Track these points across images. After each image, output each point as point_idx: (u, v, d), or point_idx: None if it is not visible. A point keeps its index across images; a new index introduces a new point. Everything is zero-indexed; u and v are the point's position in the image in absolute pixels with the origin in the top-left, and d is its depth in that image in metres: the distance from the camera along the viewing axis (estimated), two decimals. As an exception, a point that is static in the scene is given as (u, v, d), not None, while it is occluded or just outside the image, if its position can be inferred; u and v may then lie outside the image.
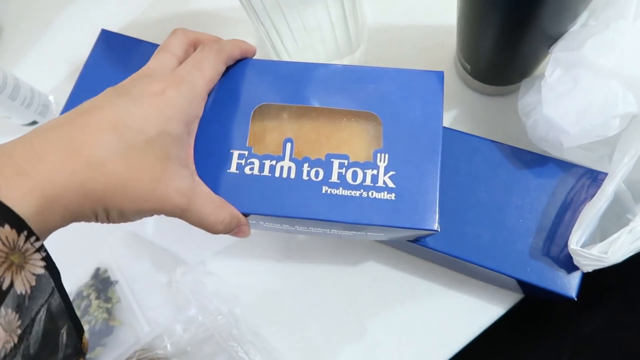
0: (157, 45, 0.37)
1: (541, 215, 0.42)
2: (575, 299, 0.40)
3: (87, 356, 0.50)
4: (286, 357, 0.48)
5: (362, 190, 0.34)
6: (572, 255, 0.38)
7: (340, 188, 0.34)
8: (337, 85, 0.36)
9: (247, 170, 0.35)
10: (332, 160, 0.35)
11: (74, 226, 0.56)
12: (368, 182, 0.34)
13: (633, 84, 0.35)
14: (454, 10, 0.45)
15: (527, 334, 0.52)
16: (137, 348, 0.49)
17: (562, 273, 0.41)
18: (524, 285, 0.43)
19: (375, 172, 0.35)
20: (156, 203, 0.30)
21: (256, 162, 0.35)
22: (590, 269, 0.38)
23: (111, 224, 0.32)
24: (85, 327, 0.50)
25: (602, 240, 0.38)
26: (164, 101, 0.31)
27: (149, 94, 0.31)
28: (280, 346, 0.49)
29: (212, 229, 0.33)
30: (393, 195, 0.34)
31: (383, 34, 0.57)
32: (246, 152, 0.35)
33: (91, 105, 0.30)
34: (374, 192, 0.34)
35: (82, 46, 0.51)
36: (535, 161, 0.44)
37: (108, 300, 0.52)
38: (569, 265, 0.41)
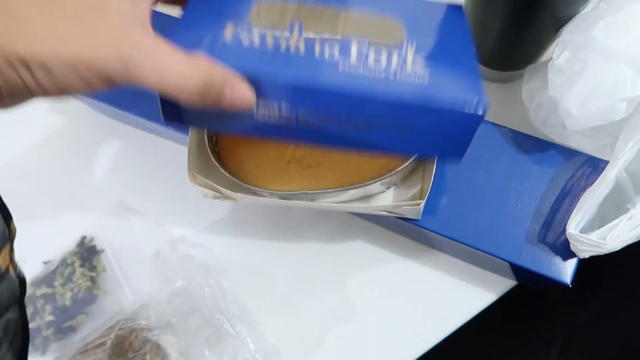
0: None
1: (540, 200, 0.42)
2: (570, 286, 0.39)
3: (70, 324, 0.48)
4: (272, 333, 0.47)
5: (388, 73, 0.29)
6: (570, 240, 0.38)
7: (361, 69, 0.29)
8: None
9: (245, 41, 0.29)
10: (350, 39, 0.30)
11: (61, 194, 0.55)
12: (394, 66, 0.29)
13: (643, 68, 0.35)
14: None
15: (519, 322, 0.51)
16: (120, 318, 0.48)
17: (557, 259, 0.40)
18: (518, 271, 0.43)
19: (403, 54, 0.30)
20: (82, 47, 0.24)
21: (256, 33, 0.30)
22: (587, 255, 0.38)
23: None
24: (68, 295, 0.49)
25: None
26: None
27: None
28: (267, 323, 0.48)
29: (185, 93, 0.25)
30: (427, 78, 0.29)
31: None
32: (245, 24, 0.30)
33: None
34: (403, 76, 0.29)
35: None
36: (536, 146, 0.43)
37: (93, 268, 0.51)
38: (565, 251, 0.40)
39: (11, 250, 0.27)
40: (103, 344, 0.46)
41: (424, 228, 0.42)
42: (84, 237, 0.53)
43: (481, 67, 0.51)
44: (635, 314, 0.41)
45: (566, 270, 0.40)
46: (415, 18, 0.33)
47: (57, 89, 0.24)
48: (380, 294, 0.48)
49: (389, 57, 0.29)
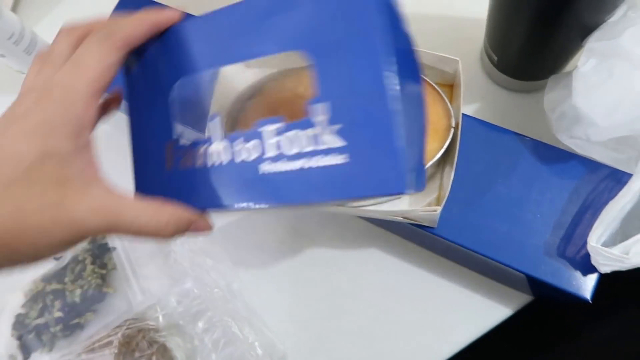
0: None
1: (560, 212, 0.41)
2: (590, 302, 0.38)
3: (78, 321, 0.48)
4: (281, 339, 0.47)
5: (304, 160, 0.26)
6: (591, 254, 0.37)
7: (279, 162, 0.27)
8: (254, 26, 0.28)
9: (180, 165, 0.31)
10: (263, 129, 0.28)
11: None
12: (310, 146, 0.26)
13: (671, 77, 0.34)
14: (484, 3, 0.44)
15: (535, 337, 0.50)
16: (128, 317, 0.47)
17: (577, 274, 0.39)
18: (535, 285, 0.41)
19: (316, 130, 0.26)
20: (67, 230, 0.26)
21: (188, 153, 0.30)
22: (608, 270, 0.37)
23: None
24: (78, 292, 0.49)
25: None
26: (32, 121, 0.26)
27: (15, 118, 0.27)
28: (276, 328, 0.47)
29: (161, 235, 0.29)
30: (344, 156, 0.25)
31: (411, 24, 0.56)
32: (175, 144, 0.31)
33: None
34: (320, 158, 0.26)
35: (105, 8, 0.50)
36: (558, 157, 0.42)
37: (103, 266, 0.51)
38: (585, 266, 0.39)
39: None
40: (110, 342, 0.45)
41: (440, 236, 0.41)
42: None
43: (503, 77, 0.50)
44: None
45: (586, 285, 0.38)
46: (323, 44, 0.27)
47: (50, 255, 0.27)
48: (393, 304, 0.47)
49: (302, 138, 0.27)
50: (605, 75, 0.36)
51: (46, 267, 0.52)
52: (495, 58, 0.48)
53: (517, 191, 0.42)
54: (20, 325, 0.48)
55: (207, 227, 0.32)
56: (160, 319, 0.47)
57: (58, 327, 0.47)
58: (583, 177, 0.41)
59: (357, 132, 0.25)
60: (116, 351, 0.44)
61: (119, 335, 0.45)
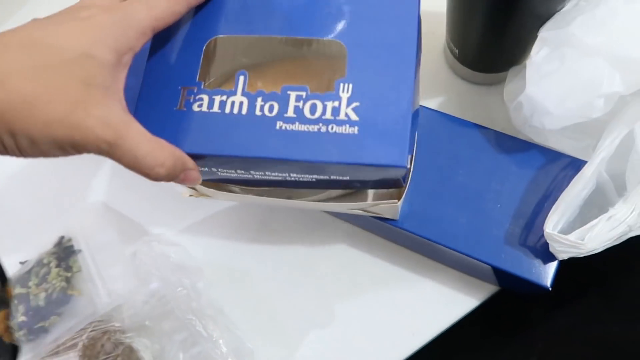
0: None
1: (520, 202, 0.41)
2: (550, 289, 0.38)
3: (42, 324, 0.47)
4: (249, 336, 0.46)
5: (320, 125, 0.31)
6: (548, 241, 0.37)
7: (297, 123, 0.31)
8: (299, 12, 0.33)
9: (195, 107, 0.32)
10: (288, 92, 0.32)
11: (41, 193, 0.55)
12: (328, 115, 0.31)
13: (620, 64, 0.34)
14: (444, -4, 0.44)
15: (499, 328, 0.50)
16: (93, 319, 0.47)
17: (537, 262, 0.39)
18: (499, 274, 0.42)
19: (336, 103, 0.31)
20: (74, 130, 0.26)
21: (205, 98, 0.32)
22: (565, 256, 0.37)
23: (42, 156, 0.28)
24: (42, 295, 0.48)
25: (581, 230, 0.36)
26: (91, 24, 0.28)
27: (76, 18, 0.28)
28: (243, 326, 0.47)
29: (151, 173, 0.29)
30: (356, 128, 0.30)
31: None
32: (195, 88, 0.32)
33: (8, 30, 0.27)
34: (335, 126, 0.30)
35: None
36: (518, 147, 0.42)
37: (69, 269, 0.50)
38: (545, 254, 0.39)
39: (7, 316, 0.27)
40: (75, 345, 0.45)
41: (402, 229, 0.42)
42: (62, 237, 0.52)
43: (465, 70, 0.50)
44: (616, 319, 0.40)
45: (546, 273, 0.39)
46: (360, 37, 0.33)
47: (36, 154, 0.28)
48: (360, 298, 0.47)
49: (324, 108, 0.31)
50: (556, 63, 0.36)
51: (11, 271, 0.51)
52: (457, 51, 0.48)
53: (479, 182, 0.42)
54: None
55: (197, 178, 0.32)
56: (126, 320, 0.47)
57: (22, 332, 0.47)
58: (543, 166, 0.42)
59: (372, 112, 0.31)
60: (80, 354, 0.44)
61: (84, 337, 0.45)
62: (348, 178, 0.33)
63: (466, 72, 0.50)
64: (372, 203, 0.39)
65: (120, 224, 0.53)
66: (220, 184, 0.41)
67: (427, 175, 0.42)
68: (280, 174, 0.34)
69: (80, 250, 0.51)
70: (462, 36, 0.46)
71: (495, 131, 0.43)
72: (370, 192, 0.42)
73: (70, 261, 0.51)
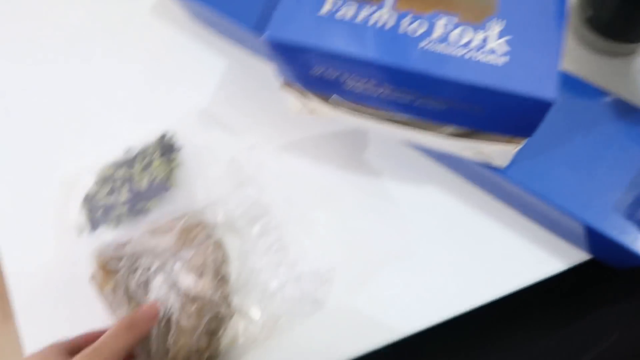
0: None
1: (637, 173, 0.40)
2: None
3: (143, 206, 0.51)
4: (332, 252, 0.48)
5: (468, 50, 0.31)
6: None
7: (443, 44, 0.31)
8: None
9: (338, 15, 0.33)
10: (438, 16, 0.32)
11: (149, 91, 0.58)
12: (477, 43, 0.31)
13: None
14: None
15: (580, 299, 0.49)
16: (190, 210, 0.49)
17: (642, 234, 0.38)
18: (597, 240, 0.41)
19: (486, 34, 0.31)
20: None
21: (351, 7, 0.33)
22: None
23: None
24: (145, 180, 0.51)
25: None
26: None
27: None
28: (328, 241, 0.48)
29: None
30: (506, 58, 0.30)
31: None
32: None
33: None
34: (483, 54, 0.30)
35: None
36: (643, 120, 0.41)
37: (170, 162, 0.53)
38: (654, 229, 0.38)
39: None
40: (172, 228, 0.47)
41: (507, 178, 0.41)
42: (165, 133, 0.55)
43: (597, 38, 0.48)
44: None
45: (650, 247, 0.38)
46: None
47: None
48: (441, 240, 0.48)
49: (471, 36, 0.31)
50: None
51: (116, 156, 0.54)
52: (591, 12, 0.46)
53: (596, 146, 0.41)
54: (89, 203, 0.51)
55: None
56: (219, 217, 0.49)
57: (124, 209, 0.50)
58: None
59: (522, 46, 0.30)
60: (177, 237, 0.47)
61: (181, 223, 0.48)
62: (482, 110, 0.33)
63: (598, 40, 0.48)
64: (488, 144, 0.39)
65: (222, 131, 0.55)
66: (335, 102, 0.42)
67: (545, 130, 0.42)
68: (410, 94, 0.34)
69: (181, 148, 0.54)
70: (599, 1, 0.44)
71: (622, 101, 0.42)
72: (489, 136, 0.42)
73: (172, 155, 0.54)
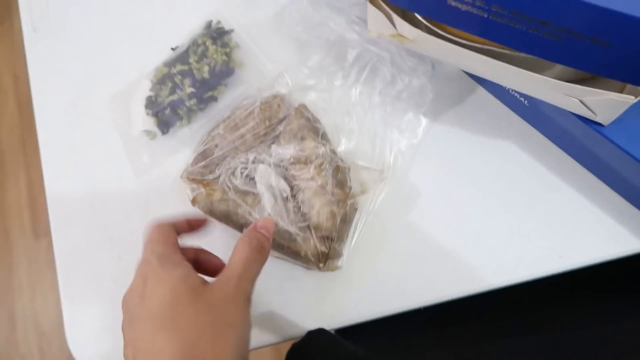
0: None
1: None
2: None
3: (211, 94, 0.49)
4: (417, 176, 0.45)
5: None
6: None
7: None
8: None
9: None
10: None
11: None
12: None
13: None
14: None
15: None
16: (261, 85, 0.48)
17: None
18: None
19: None
20: None
21: None
22: None
23: None
24: (205, 69, 0.48)
25: None
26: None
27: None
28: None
29: None
30: None
31: None
32: None
33: None
34: None
35: None
36: None
37: (225, 45, 0.49)
38: None
39: None
40: (251, 113, 0.46)
41: (606, 137, 0.36)
42: (210, 21, 0.50)
43: None
44: None
45: None
46: None
47: None
48: (515, 202, 0.43)
49: None
50: None
51: (165, 57, 0.51)
52: None
53: None
54: (152, 105, 0.50)
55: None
56: (291, 84, 0.48)
57: (192, 102, 0.49)
58: None
59: None
60: (260, 117, 0.45)
61: (257, 104, 0.46)
62: (608, 45, 0.28)
63: None
64: (599, 94, 0.33)
65: (268, 5, 0.51)
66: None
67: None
68: (518, 21, 0.30)
69: (232, 30, 0.50)
70: None
71: None
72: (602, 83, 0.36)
73: (225, 39, 0.50)
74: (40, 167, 0.50)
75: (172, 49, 0.51)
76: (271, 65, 0.49)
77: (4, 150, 1.34)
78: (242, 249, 0.34)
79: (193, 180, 0.45)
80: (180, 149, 0.48)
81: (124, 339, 0.32)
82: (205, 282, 0.32)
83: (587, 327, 0.39)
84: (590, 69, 0.31)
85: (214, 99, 0.49)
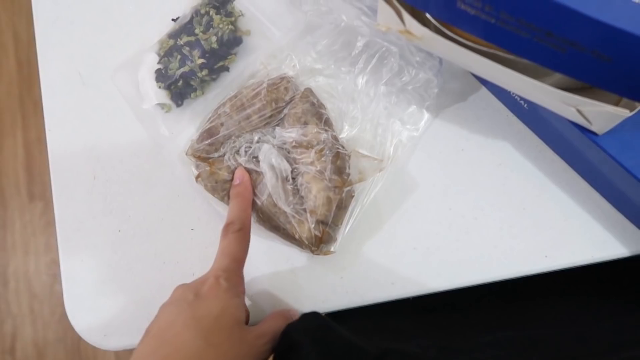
0: None
1: None
2: None
3: (222, 64, 0.49)
4: (415, 165, 0.46)
5: None
6: None
7: None
8: None
9: None
10: None
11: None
12: None
13: None
14: None
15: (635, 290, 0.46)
16: (268, 52, 0.49)
17: None
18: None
19: None
20: None
21: None
22: None
23: None
24: (213, 39, 0.48)
25: None
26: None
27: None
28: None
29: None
30: None
31: None
32: None
33: None
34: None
35: None
36: None
37: (229, 15, 0.49)
38: None
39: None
40: (258, 94, 0.46)
41: (599, 145, 0.37)
42: None
43: None
44: None
45: None
46: None
47: None
48: (507, 201, 0.44)
49: None
50: None
51: (167, 29, 0.50)
52: None
53: None
54: (163, 78, 0.49)
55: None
56: (298, 66, 0.48)
57: (204, 72, 0.48)
58: None
59: None
60: (267, 99, 0.46)
61: (264, 85, 0.46)
62: (609, 60, 0.29)
63: None
64: (596, 105, 0.34)
65: None
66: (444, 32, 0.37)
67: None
68: (523, 28, 0.31)
69: None
70: None
71: None
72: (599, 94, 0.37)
73: (229, 8, 0.50)
74: (38, 128, 0.50)
75: (173, 19, 0.51)
76: (279, 32, 0.49)
77: (2, 108, 1.33)
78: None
79: (198, 158, 0.45)
80: (195, 120, 0.49)
81: (158, 315, 0.36)
82: (246, 319, 0.39)
83: (569, 326, 0.41)
84: (590, 80, 0.32)
85: (225, 68, 0.49)
